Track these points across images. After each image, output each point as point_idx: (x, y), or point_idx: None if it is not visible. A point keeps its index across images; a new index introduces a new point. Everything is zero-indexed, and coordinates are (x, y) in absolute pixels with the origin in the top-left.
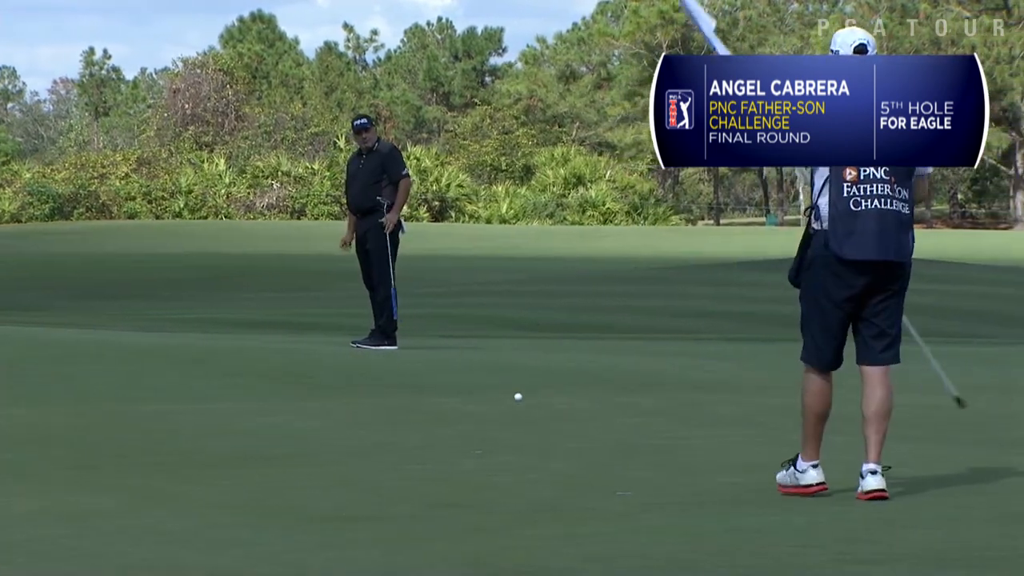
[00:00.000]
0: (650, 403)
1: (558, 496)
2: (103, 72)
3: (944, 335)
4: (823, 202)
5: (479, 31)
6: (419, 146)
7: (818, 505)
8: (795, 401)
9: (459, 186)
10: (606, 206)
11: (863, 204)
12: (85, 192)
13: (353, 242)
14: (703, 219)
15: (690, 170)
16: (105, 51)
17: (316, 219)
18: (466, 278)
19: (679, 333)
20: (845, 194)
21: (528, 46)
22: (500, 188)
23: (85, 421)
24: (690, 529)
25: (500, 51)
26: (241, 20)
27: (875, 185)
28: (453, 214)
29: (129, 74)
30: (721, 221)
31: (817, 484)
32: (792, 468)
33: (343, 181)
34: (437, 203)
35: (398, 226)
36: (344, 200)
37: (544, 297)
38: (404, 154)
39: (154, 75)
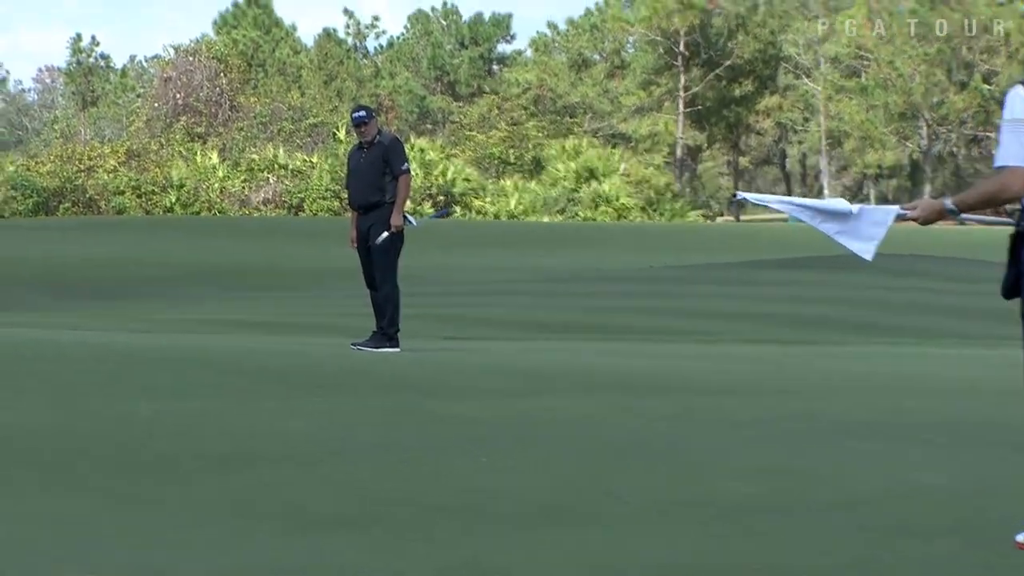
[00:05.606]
0: (662, 406)
1: (559, 500)
2: (91, 60)
3: None
4: None
5: (486, 17)
6: (423, 138)
7: (836, 512)
8: (816, 405)
9: (465, 180)
10: (620, 201)
11: None
12: (71, 186)
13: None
14: (722, 215)
15: (708, 163)
16: (93, 37)
17: (315, 215)
18: (472, 277)
19: (696, 334)
20: None
21: (538, 33)
22: (508, 182)
23: (66, 422)
24: (699, 535)
25: (508, 38)
26: (236, 5)
27: None
28: (459, 209)
29: (118, 62)
30: (741, 217)
31: None
32: None
33: (343, 175)
34: (442, 198)
35: (405, 222)
36: (346, 196)
37: (555, 297)
38: (407, 146)
39: (144, 63)
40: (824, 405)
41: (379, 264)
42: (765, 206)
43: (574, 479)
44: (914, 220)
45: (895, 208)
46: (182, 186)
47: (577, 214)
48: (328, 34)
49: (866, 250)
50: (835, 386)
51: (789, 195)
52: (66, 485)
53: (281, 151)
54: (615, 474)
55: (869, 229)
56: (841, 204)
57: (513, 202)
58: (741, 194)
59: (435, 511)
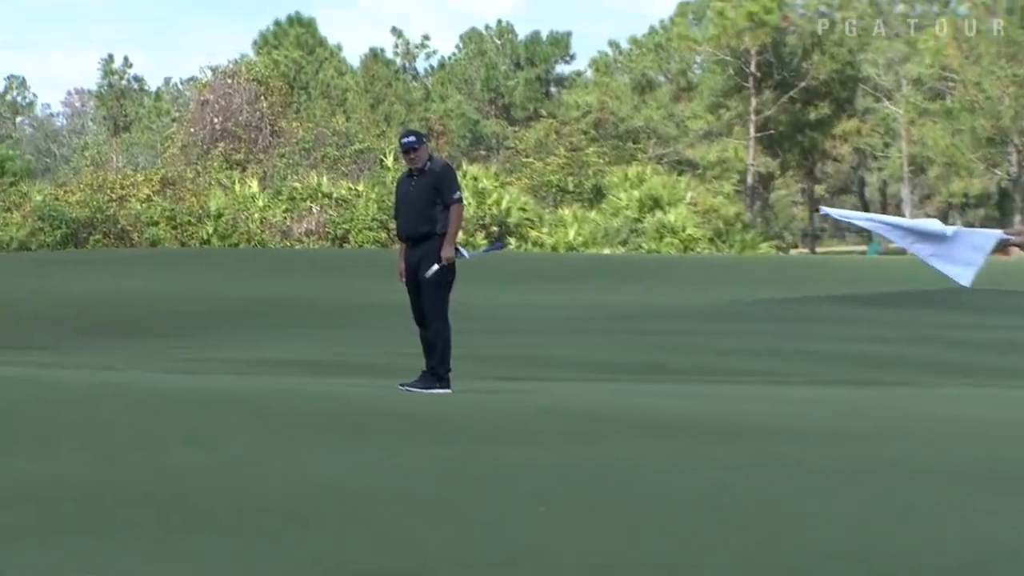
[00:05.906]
0: (731, 454)
1: (623, 556)
2: (123, 82)
3: None
4: None
5: (543, 36)
6: (476, 164)
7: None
8: (898, 453)
9: (521, 209)
10: (686, 232)
11: None
12: (102, 216)
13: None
14: (796, 247)
15: (781, 191)
16: (126, 59)
17: (360, 246)
18: (528, 313)
19: (766, 375)
20: None
21: (599, 52)
22: (567, 212)
23: (99, 472)
24: None
25: (567, 58)
26: (277, 24)
27: None
28: (514, 241)
29: (152, 84)
30: (817, 249)
31: None
32: None
33: (392, 205)
34: (496, 229)
35: (456, 254)
36: (393, 226)
37: (616, 334)
38: (459, 173)
39: (180, 85)
40: (908, 452)
41: (429, 299)
42: (849, 223)
43: (639, 534)
44: (1017, 246)
45: (997, 232)
46: (220, 216)
47: (640, 246)
48: (375, 54)
49: (964, 275)
50: (919, 431)
51: None
52: (102, 541)
53: (325, 179)
54: (684, 529)
55: (966, 253)
56: (935, 225)
57: (572, 233)
58: (825, 209)
59: (495, 567)
